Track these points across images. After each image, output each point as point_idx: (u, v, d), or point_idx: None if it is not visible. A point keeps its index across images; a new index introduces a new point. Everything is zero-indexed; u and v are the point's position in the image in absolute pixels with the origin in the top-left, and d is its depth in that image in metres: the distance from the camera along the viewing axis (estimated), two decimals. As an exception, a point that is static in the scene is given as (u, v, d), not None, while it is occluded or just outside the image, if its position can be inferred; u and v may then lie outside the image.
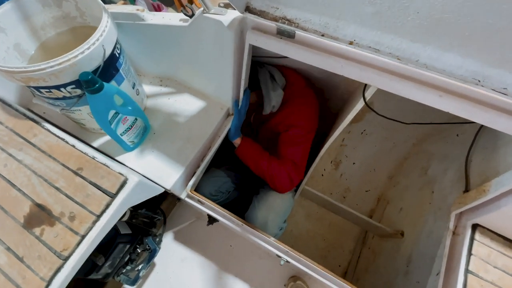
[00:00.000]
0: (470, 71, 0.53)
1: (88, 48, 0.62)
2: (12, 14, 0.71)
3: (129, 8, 0.77)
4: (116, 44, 0.72)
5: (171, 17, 0.80)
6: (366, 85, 0.72)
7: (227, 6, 0.76)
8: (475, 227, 0.81)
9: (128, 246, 0.92)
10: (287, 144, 0.97)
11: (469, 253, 0.78)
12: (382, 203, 1.58)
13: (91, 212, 0.59)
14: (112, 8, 0.77)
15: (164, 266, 1.14)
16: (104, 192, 0.61)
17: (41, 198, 0.61)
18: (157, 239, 1.07)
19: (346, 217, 1.58)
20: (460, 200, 0.85)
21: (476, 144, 0.98)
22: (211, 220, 0.99)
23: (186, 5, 0.74)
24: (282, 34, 0.70)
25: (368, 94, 0.71)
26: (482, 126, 0.96)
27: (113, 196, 0.61)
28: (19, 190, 0.62)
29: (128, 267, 0.98)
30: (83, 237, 0.57)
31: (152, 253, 1.00)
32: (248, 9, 0.68)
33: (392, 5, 0.49)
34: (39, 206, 0.60)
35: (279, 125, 0.99)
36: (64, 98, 0.69)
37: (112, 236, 0.85)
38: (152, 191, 0.76)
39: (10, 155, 0.66)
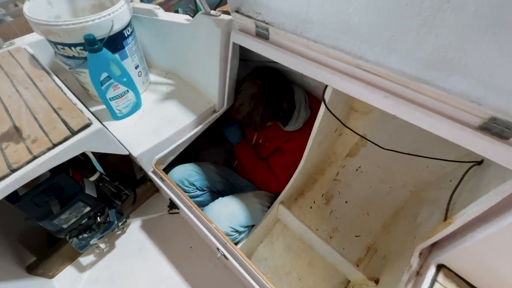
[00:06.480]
0: (412, 75, 0.55)
1: (99, 19, 0.78)
2: (61, -6, 0.93)
3: (149, 6, 0.96)
4: (128, 26, 0.89)
5: (179, 17, 0.97)
6: (326, 87, 0.75)
7: (222, 11, 0.91)
8: (439, 268, 0.70)
9: (88, 208, 0.96)
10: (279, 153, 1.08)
11: (428, 297, 0.66)
12: (371, 253, 1.41)
13: (50, 140, 0.67)
14: (136, 4, 0.96)
15: (123, 249, 1.14)
16: (68, 128, 0.70)
17: (20, 122, 0.71)
18: (121, 218, 1.09)
19: (329, 260, 1.43)
20: (428, 235, 0.76)
21: (463, 187, 0.90)
22: (172, 205, 1.00)
23: (190, 7, 0.91)
24: (259, 35, 0.80)
25: (327, 95, 0.74)
26: (469, 168, 0.89)
27: (73, 132, 0.69)
28: (8, 114, 0.74)
29: (85, 235, 1.01)
30: (34, 157, 0.64)
31: (109, 225, 1.02)
32: (237, 11, 0.81)
33: None
34: (15, 128, 0.70)
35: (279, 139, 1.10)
36: (73, 57, 0.85)
37: (75, 191, 0.91)
38: (115, 148, 0.83)
39: (17, 90, 0.80)
